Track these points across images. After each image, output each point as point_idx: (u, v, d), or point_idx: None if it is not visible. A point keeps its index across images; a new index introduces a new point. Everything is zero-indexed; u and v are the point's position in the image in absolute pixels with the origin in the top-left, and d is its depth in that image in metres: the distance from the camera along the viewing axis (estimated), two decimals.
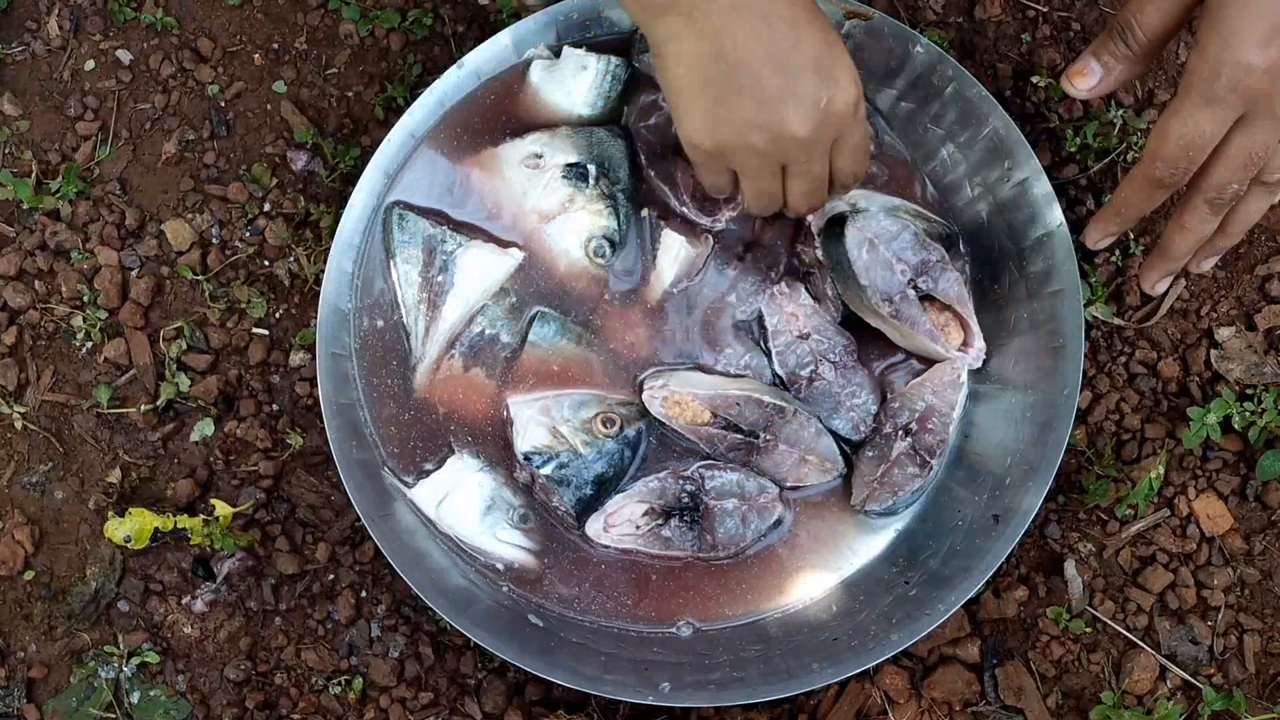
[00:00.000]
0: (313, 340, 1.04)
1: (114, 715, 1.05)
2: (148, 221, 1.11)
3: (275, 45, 1.14)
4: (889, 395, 1.05)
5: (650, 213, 1.03)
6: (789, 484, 1.04)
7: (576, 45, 1.03)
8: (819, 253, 1.02)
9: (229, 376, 1.10)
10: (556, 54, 1.04)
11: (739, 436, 1.02)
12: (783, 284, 1.04)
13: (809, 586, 1.05)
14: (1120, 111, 1.11)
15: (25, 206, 1.11)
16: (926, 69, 1.03)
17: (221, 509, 1.05)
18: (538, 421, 1.01)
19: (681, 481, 1.02)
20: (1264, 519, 1.09)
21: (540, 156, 1.02)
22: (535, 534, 1.03)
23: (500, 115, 1.03)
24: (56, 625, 1.07)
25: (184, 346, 1.09)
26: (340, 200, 1.08)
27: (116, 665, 1.06)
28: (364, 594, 1.08)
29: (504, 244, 1.03)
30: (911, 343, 1.04)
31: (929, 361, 1.05)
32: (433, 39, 1.14)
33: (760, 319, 1.04)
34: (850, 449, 1.05)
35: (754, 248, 1.04)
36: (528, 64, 1.03)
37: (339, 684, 1.06)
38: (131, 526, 1.03)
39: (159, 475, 1.09)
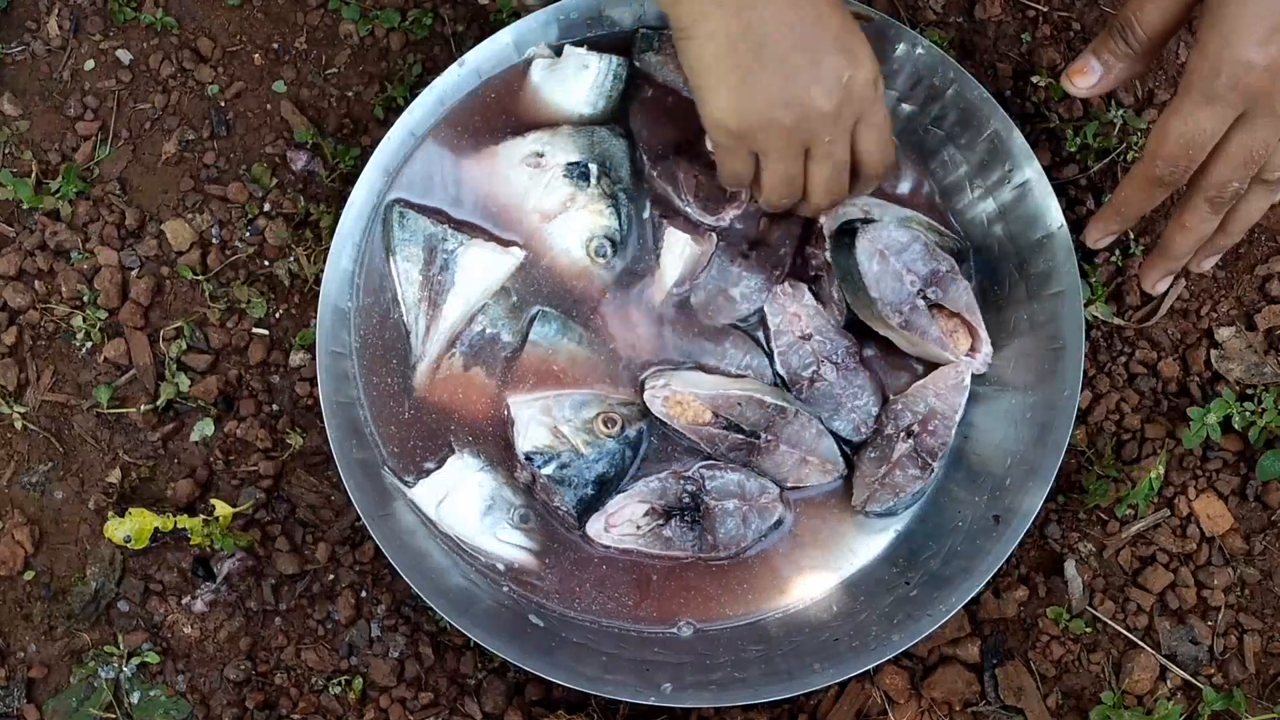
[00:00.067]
0: (313, 340, 1.04)
1: (114, 715, 1.05)
2: (148, 221, 1.11)
3: (275, 45, 1.14)
4: (890, 397, 1.05)
5: (653, 212, 1.03)
6: (790, 484, 1.04)
7: (578, 44, 1.03)
8: (828, 256, 1.02)
9: (229, 376, 1.10)
10: (557, 53, 1.04)
11: (740, 437, 1.02)
12: (786, 284, 1.04)
13: (809, 587, 1.05)
14: (1120, 111, 1.11)
15: (25, 206, 1.11)
16: (927, 70, 1.03)
17: (221, 509, 1.04)
18: (539, 421, 1.01)
19: (682, 482, 1.02)
20: (1264, 519, 1.09)
21: (541, 155, 1.02)
22: (536, 534, 1.02)
23: (501, 114, 1.03)
24: (56, 625, 1.07)
25: (184, 346, 1.09)
26: (340, 200, 1.08)
27: (116, 665, 1.06)
28: (364, 594, 1.08)
29: (505, 243, 1.03)
30: (920, 350, 1.04)
31: (929, 363, 1.05)
32: (433, 39, 1.14)
33: (763, 318, 1.04)
34: (851, 450, 1.05)
35: (759, 246, 1.04)
36: (529, 63, 1.03)
37: (339, 684, 1.06)
38: (131, 526, 1.03)
39: (159, 475, 1.09)
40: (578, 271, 1.03)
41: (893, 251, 1.00)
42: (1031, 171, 1.02)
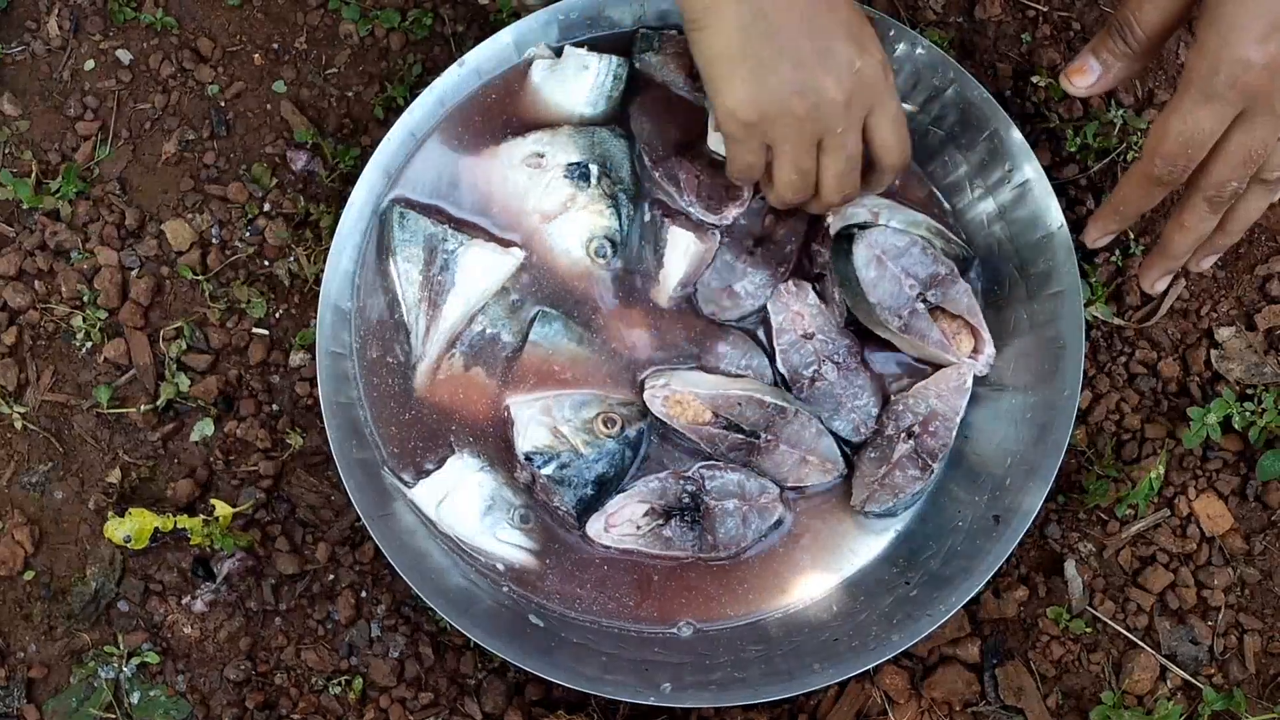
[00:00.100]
0: (313, 340, 1.04)
1: (114, 715, 1.05)
2: (148, 221, 1.11)
3: (275, 45, 1.14)
4: (891, 398, 1.05)
5: (654, 212, 1.03)
6: (790, 484, 1.04)
7: (578, 45, 1.03)
8: (829, 259, 1.03)
9: (229, 376, 1.10)
10: (557, 54, 1.04)
11: (740, 436, 1.02)
12: (790, 283, 1.04)
13: (809, 587, 1.05)
14: (1120, 111, 1.11)
15: (25, 206, 1.11)
16: (927, 70, 1.03)
17: (221, 509, 1.04)
18: (539, 421, 1.01)
19: (682, 482, 1.02)
20: (1264, 519, 1.09)
21: (542, 156, 1.02)
22: (536, 534, 1.02)
23: (501, 114, 1.03)
24: (56, 625, 1.07)
25: (184, 346, 1.09)
26: (340, 200, 1.08)
27: (116, 665, 1.06)
28: (364, 594, 1.08)
29: (505, 243, 1.03)
30: (921, 352, 1.04)
31: (931, 363, 1.05)
32: (433, 39, 1.14)
33: (765, 317, 1.04)
34: (850, 450, 1.05)
35: (765, 242, 1.04)
36: (529, 64, 1.03)
37: (339, 684, 1.06)
38: (131, 526, 1.03)
39: (159, 475, 1.09)
40: (578, 272, 1.03)
41: (891, 256, 1.00)
42: (1031, 171, 1.02)
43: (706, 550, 1.03)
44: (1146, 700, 1.06)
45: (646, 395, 1.01)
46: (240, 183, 1.12)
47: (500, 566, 1.02)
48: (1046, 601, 1.08)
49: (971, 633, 1.08)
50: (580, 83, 1.02)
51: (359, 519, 0.99)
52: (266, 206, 1.12)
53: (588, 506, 1.01)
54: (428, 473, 1.01)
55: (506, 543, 1.02)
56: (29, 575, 1.07)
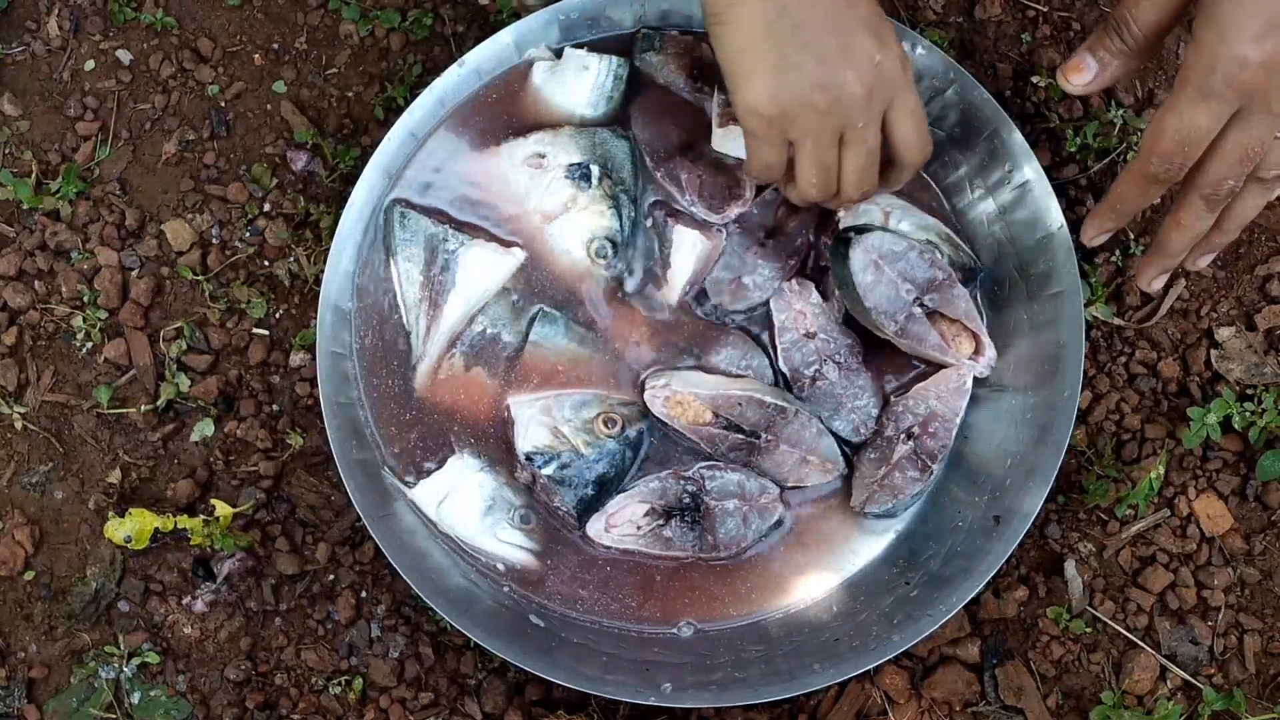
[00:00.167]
0: (313, 340, 1.04)
1: (114, 715, 1.05)
2: (148, 222, 1.12)
3: (275, 45, 1.14)
4: (891, 399, 1.05)
5: (659, 212, 1.03)
6: (790, 484, 1.04)
7: (578, 46, 1.03)
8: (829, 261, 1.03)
9: (229, 377, 1.10)
10: (558, 55, 1.04)
11: (740, 437, 1.02)
12: (794, 281, 1.04)
13: (810, 587, 1.05)
14: (1120, 111, 1.11)
15: (25, 206, 1.11)
16: (927, 70, 1.03)
17: (221, 509, 1.04)
18: (539, 421, 1.01)
19: (683, 482, 1.02)
20: (1264, 519, 1.09)
21: (543, 156, 1.02)
22: (536, 534, 1.02)
23: (502, 115, 1.03)
24: (57, 625, 1.07)
25: (184, 347, 1.09)
26: (340, 200, 1.08)
27: (117, 665, 1.06)
28: (364, 594, 1.08)
29: (506, 243, 1.03)
30: (920, 355, 1.04)
31: (933, 364, 1.05)
32: (433, 39, 1.15)
33: (768, 315, 1.04)
34: (850, 450, 1.05)
35: (776, 234, 1.03)
36: (529, 65, 1.03)
37: (339, 684, 1.06)
38: (131, 527, 1.03)
39: (159, 475, 1.09)
40: (578, 272, 1.03)
41: (888, 260, 1.00)
42: (1031, 171, 1.02)
43: (707, 550, 1.03)
44: (1146, 700, 1.06)
45: (647, 395, 1.01)
46: (240, 183, 1.12)
47: (501, 567, 1.02)
48: (1046, 601, 1.08)
49: (971, 633, 1.08)
50: (581, 83, 1.02)
51: (359, 519, 0.99)
52: (266, 207, 1.12)
53: (588, 507, 1.01)
54: (428, 473, 1.01)
55: (507, 543, 1.02)
56: (29, 575, 1.07)
